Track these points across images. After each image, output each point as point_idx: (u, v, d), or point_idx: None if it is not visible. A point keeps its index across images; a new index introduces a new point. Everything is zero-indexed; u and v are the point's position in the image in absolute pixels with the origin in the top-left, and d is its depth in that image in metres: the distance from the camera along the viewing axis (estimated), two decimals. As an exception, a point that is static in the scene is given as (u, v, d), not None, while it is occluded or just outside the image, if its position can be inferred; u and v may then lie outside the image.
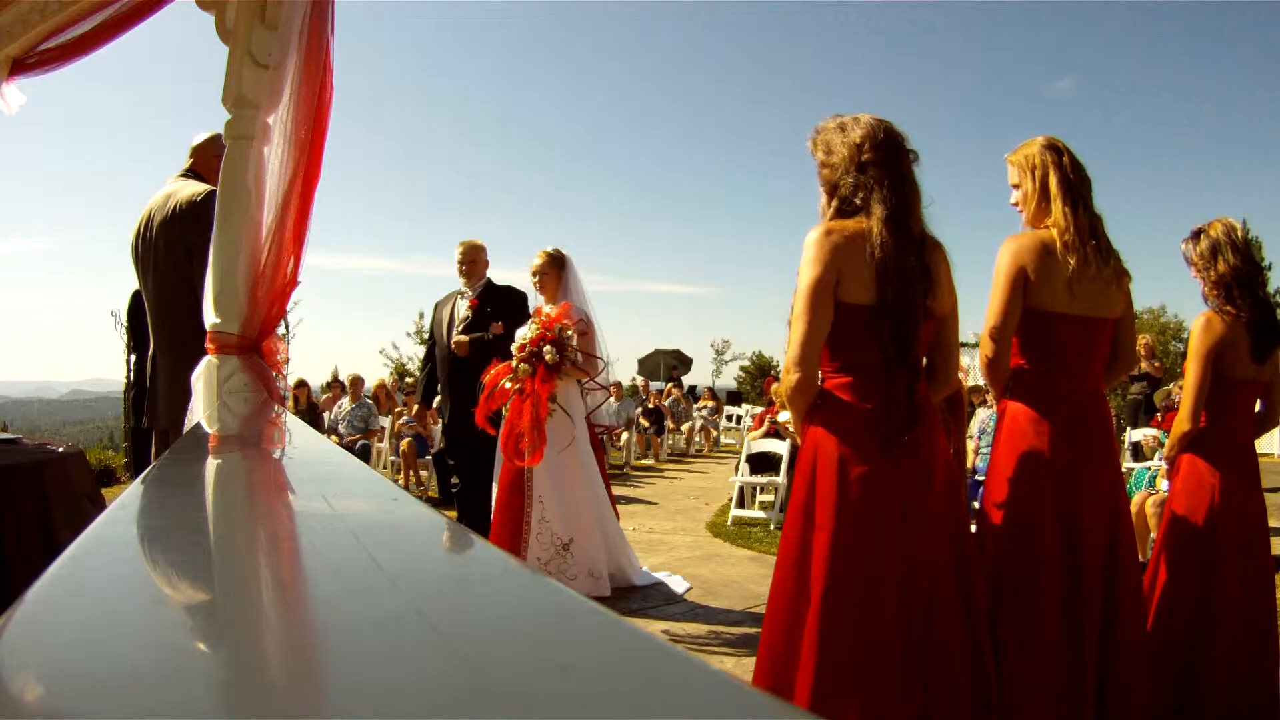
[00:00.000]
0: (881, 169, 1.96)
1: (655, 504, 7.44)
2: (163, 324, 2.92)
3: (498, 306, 4.40)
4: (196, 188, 2.88)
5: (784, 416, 5.91)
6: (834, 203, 2.02)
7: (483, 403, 3.82)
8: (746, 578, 4.49)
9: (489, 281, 4.52)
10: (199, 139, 3.10)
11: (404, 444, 7.89)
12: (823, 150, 2.07)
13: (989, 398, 5.59)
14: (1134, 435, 6.96)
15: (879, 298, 1.91)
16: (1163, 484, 4.61)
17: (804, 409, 2.03)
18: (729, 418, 15.10)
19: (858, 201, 1.98)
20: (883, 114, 2.07)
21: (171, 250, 2.81)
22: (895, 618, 1.88)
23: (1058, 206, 2.20)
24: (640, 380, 15.18)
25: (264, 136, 2.11)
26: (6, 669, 0.35)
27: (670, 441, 12.09)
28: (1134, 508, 4.49)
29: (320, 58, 2.06)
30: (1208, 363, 2.60)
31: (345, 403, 8.19)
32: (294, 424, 1.69)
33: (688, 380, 18.42)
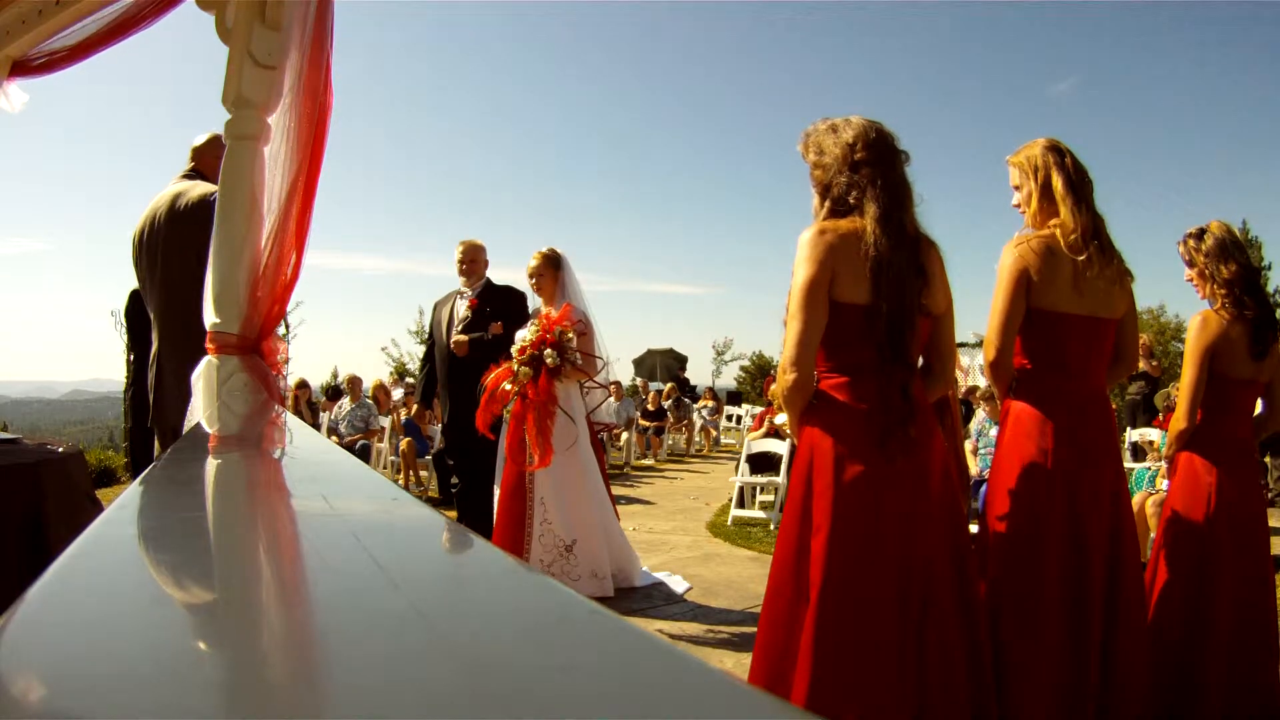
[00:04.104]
0: (874, 168, 1.97)
1: (655, 504, 7.44)
2: (168, 322, 2.88)
3: (497, 306, 4.40)
4: (207, 187, 2.83)
5: (781, 419, 5.91)
6: (827, 203, 2.02)
7: (484, 405, 3.80)
8: (746, 578, 4.49)
9: (489, 281, 4.52)
10: (199, 140, 3.08)
11: (404, 444, 7.89)
12: (814, 151, 2.07)
13: (983, 399, 5.59)
14: (1133, 435, 6.96)
15: (873, 296, 1.91)
16: (1163, 484, 4.60)
17: (800, 409, 2.02)
18: (729, 418, 15.12)
19: (851, 201, 1.98)
20: (884, 115, 2.07)
21: (182, 248, 2.77)
22: (892, 618, 1.88)
23: (1061, 207, 2.20)
24: (640, 381, 15.18)
25: (264, 136, 2.11)
26: (6, 669, 0.35)
27: (670, 441, 12.09)
28: (1134, 508, 4.49)
29: (321, 58, 2.06)
30: (1203, 360, 2.60)
31: (345, 403, 8.19)
32: (294, 424, 1.68)
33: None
